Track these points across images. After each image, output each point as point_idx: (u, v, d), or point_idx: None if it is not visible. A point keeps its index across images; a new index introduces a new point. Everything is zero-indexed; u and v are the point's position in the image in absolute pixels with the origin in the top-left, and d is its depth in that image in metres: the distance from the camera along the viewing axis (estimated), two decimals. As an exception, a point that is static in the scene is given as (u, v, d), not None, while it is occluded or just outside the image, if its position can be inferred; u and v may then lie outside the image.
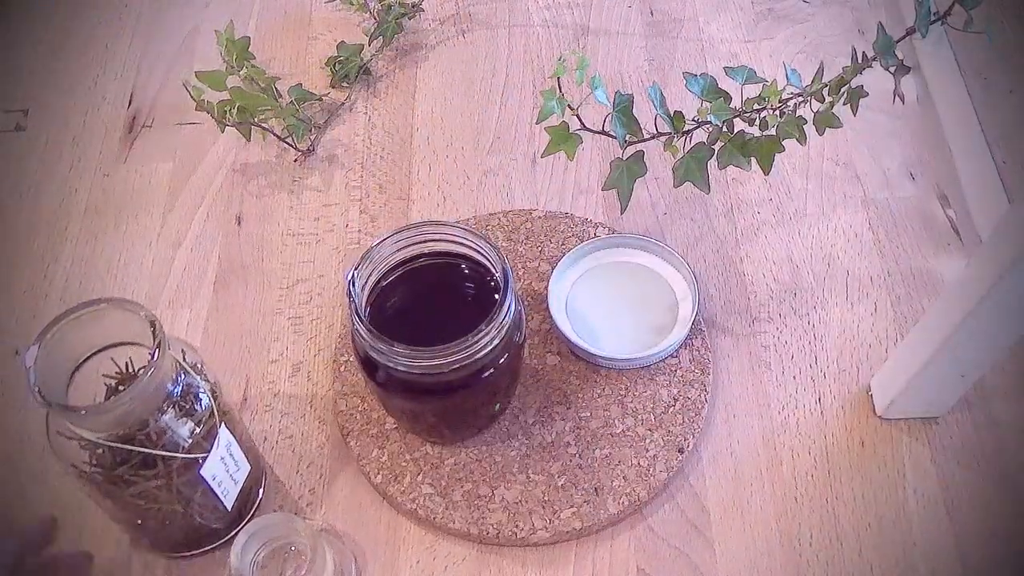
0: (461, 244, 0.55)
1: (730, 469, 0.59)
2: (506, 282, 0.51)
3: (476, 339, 0.49)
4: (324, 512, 0.58)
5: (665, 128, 0.62)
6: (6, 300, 0.68)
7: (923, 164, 0.72)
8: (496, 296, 0.52)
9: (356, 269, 0.51)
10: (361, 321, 0.49)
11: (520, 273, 0.65)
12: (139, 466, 0.49)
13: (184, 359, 0.51)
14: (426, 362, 0.50)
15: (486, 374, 0.52)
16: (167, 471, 0.49)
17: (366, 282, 0.53)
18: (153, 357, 0.47)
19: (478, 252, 0.54)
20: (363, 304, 0.53)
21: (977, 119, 0.73)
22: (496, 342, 0.51)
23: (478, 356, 0.50)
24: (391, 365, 0.50)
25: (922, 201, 0.70)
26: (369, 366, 0.51)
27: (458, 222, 0.55)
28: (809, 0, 0.83)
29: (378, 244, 0.53)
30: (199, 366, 0.52)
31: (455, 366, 0.50)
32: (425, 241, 0.55)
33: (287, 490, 0.59)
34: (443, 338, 0.49)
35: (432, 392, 0.52)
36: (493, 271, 0.53)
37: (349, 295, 0.50)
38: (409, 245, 0.55)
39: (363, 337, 0.50)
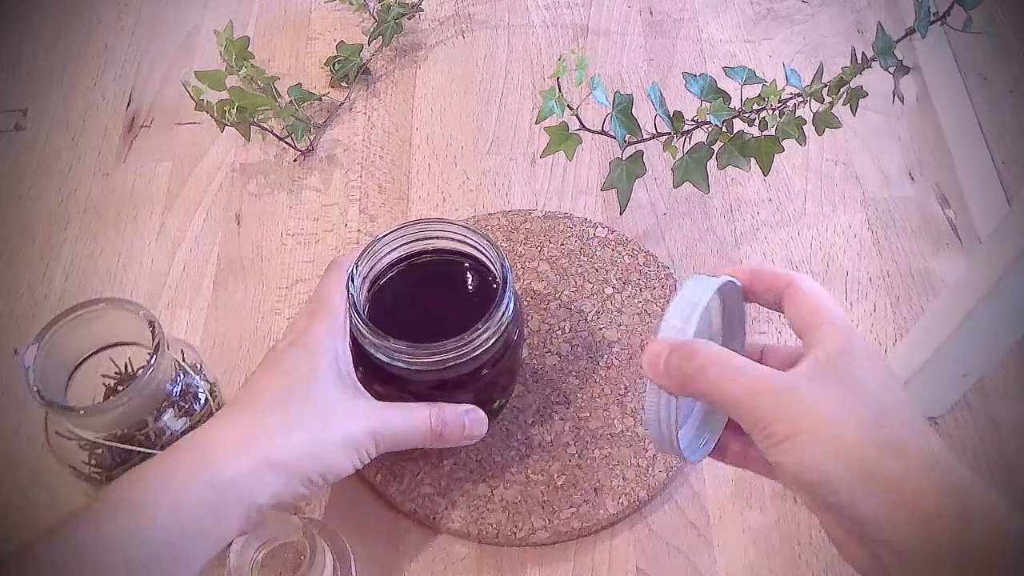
0: (460, 241, 0.55)
1: (730, 469, 0.58)
2: (504, 280, 0.51)
3: (474, 336, 0.49)
4: (323, 512, 0.58)
5: (665, 128, 0.62)
6: (6, 300, 0.68)
7: (923, 164, 0.72)
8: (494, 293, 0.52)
9: (355, 265, 0.51)
10: (360, 317, 0.49)
11: (519, 273, 0.65)
12: (138, 466, 0.49)
13: (183, 359, 0.52)
14: (425, 359, 0.50)
15: (485, 372, 0.52)
16: (166, 471, 0.49)
17: (365, 278, 0.53)
18: (152, 357, 0.47)
19: (477, 249, 0.54)
20: (362, 300, 0.53)
21: (977, 119, 0.73)
22: (494, 339, 0.51)
23: (476, 353, 0.50)
24: (389, 362, 0.50)
25: (922, 201, 0.70)
26: (367, 363, 0.51)
27: (457, 220, 0.55)
28: (808, 0, 0.83)
29: (377, 241, 0.53)
30: (198, 366, 0.52)
31: (454, 363, 0.50)
32: (424, 238, 0.55)
33: (286, 490, 0.59)
34: (442, 335, 0.49)
35: (431, 389, 0.52)
36: (492, 269, 0.53)
37: (348, 291, 0.50)
38: (408, 242, 0.55)
39: (362, 333, 0.50)
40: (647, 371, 0.40)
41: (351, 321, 0.50)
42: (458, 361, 0.50)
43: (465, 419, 0.52)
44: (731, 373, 0.38)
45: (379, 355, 0.50)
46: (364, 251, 0.52)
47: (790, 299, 0.41)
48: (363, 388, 0.50)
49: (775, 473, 0.39)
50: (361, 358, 0.51)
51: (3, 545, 0.57)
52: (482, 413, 0.53)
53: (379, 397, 0.52)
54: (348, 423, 0.47)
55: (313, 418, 0.47)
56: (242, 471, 0.44)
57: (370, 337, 0.49)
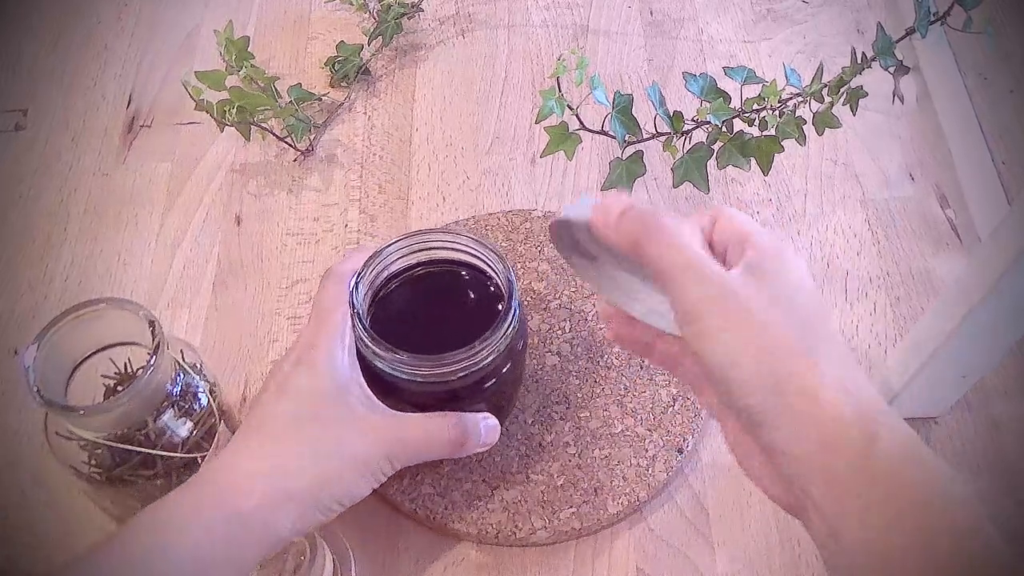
0: (465, 252, 0.54)
1: (729, 469, 0.58)
2: (510, 292, 0.51)
3: (480, 347, 0.49)
4: (323, 512, 0.58)
5: (665, 128, 0.62)
6: (6, 300, 0.68)
7: (923, 164, 0.72)
8: (500, 304, 0.51)
9: (359, 276, 0.51)
10: (364, 328, 0.49)
11: (520, 273, 0.65)
12: (138, 466, 0.49)
13: (183, 359, 0.51)
14: (429, 370, 0.49)
15: (489, 383, 0.52)
16: (166, 471, 0.49)
17: (368, 288, 0.53)
18: (152, 357, 0.47)
19: (482, 260, 0.54)
20: (365, 311, 0.52)
21: (977, 119, 0.73)
22: (500, 350, 0.50)
23: (481, 364, 0.50)
24: (394, 373, 0.50)
25: (922, 201, 0.70)
26: (372, 375, 0.50)
27: (462, 230, 0.54)
28: (809, 0, 0.83)
29: (379, 253, 0.53)
30: (198, 366, 0.52)
31: (459, 374, 0.50)
32: (428, 248, 0.54)
33: (286, 490, 0.59)
34: (447, 346, 0.49)
35: (437, 401, 0.51)
36: (497, 279, 0.53)
37: (352, 304, 0.50)
38: (412, 252, 0.54)
39: (366, 344, 0.49)
40: (594, 221, 0.40)
41: (355, 334, 0.50)
42: (464, 373, 0.50)
43: (482, 427, 0.51)
44: (682, 252, 0.38)
45: (383, 367, 0.50)
46: (366, 263, 0.52)
47: (717, 229, 0.41)
48: (375, 399, 0.49)
49: (691, 367, 0.41)
50: (366, 370, 0.50)
51: (3, 547, 0.57)
52: (496, 420, 0.52)
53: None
54: (362, 444, 0.47)
55: (327, 443, 0.46)
56: (260, 505, 0.43)
57: (374, 348, 0.49)
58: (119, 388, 0.51)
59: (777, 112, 0.61)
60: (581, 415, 0.59)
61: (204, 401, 0.51)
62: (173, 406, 0.50)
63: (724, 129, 0.61)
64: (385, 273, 0.54)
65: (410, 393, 0.51)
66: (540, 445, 0.58)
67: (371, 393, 0.49)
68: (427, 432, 0.49)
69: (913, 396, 0.58)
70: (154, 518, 0.43)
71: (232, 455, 0.46)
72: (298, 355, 0.49)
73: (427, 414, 0.50)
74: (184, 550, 0.42)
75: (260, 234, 0.71)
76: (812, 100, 0.61)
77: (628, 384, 0.60)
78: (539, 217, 0.68)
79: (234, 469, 0.45)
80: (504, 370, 0.52)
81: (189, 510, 0.43)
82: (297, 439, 0.46)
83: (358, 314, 0.50)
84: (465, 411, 0.52)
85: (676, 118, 0.61)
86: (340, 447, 0.46)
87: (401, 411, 0.50)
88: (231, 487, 0.44)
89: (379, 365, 0.50)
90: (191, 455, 0.50)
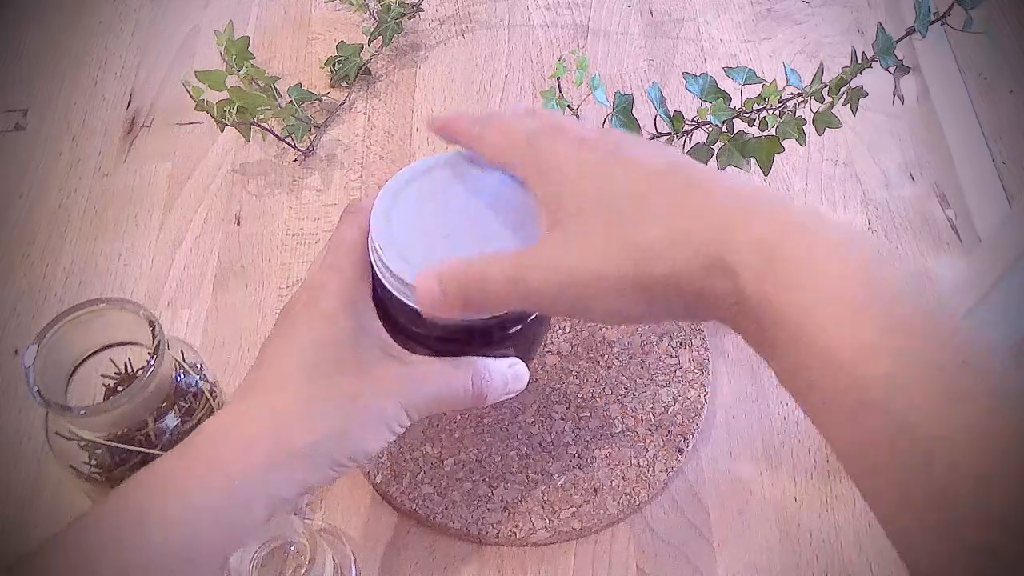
0: None
1: (730, 469, 0.59)
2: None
3: None
4: (324, 512, 0.58)
5: (665, 128, 0.62)
6: (6, 300, 0.68)
7: (923, 164, 0.72)
8: None
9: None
10: (383, 263, 0.44)
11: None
12: (138, 466, 0.49)
13: (183, 359, 0.51)
14: None
15: (515, 327, 0.47)
16: (166, 471, 0.49)
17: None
18: (152, 357, 0.47)
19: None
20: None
21: (977, 119, 0.73)
22: None
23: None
24: (415, 309, 0.44)
25: (922, 201, 0.70)
26: (387, 313, 0.46)
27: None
28: (809, 0, 0.83)
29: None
30: (198, 366, 0.52)
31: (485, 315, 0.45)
32: None
33: (286, 490, 0.59)
34: None
35: (459, 344, 0.47)
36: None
37: (371, 239, 0.46)
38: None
39: (387, 277, 0.45)
40: (428, 310, 0.42)
41: (374, 270, 0.46)
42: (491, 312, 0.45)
43: (509, 374, 0.47)
44: (500, 284, 0.40)
45: (407, 302, 0.44)
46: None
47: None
48: (391, 343, 0.44)
49: None
50: (382, 310, 0.46)
51: (3, 547, 0.57)
52: (524, 367, 0.48)
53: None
54: (377, 395, 0.42)
55: (338, 395, 0.42)
56: (265, 466, 0.40)
57: (399, 286, 0.44)
58: (119, 388, 0.51)
59: (777, 112, 0.61)
60: (581, 415, 0.59)
61: (204, 401, 0.51)
62: (173, 406, 0.50)
63: (724, 129, 0.61)
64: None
65: (431, 338, 0.46)
66: (540, 445, 0.58)
67: (388, 337, 0.44)
68: (448, 382, 0.44)
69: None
70: (146, 482, 0.40)
71: (233, 413, 0.42)
72: (308, 295, 0.44)
73: (448, 360, 0.45)
74: (177, 516, 0.39)
75: (260, 234, 0.71)
76: (812, 100, 0.61)
77: (628, 384, 0.60)
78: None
79: (234, 430, 0.41)
80: (529, 318, 0.47)
81: (182, 473, 0.40)
82: (304, 390, 0.42)
83: (377, 249, 0.45)
84: (490, 355, 0.47)
85: (676, 118, 0.61)
86: (352, 399, 0.42)
87: (420, 355, 0.46)
88: (229, 449, 0.41)
89: (400, 301, 0.45)
90: (191, 455, 0.50)
